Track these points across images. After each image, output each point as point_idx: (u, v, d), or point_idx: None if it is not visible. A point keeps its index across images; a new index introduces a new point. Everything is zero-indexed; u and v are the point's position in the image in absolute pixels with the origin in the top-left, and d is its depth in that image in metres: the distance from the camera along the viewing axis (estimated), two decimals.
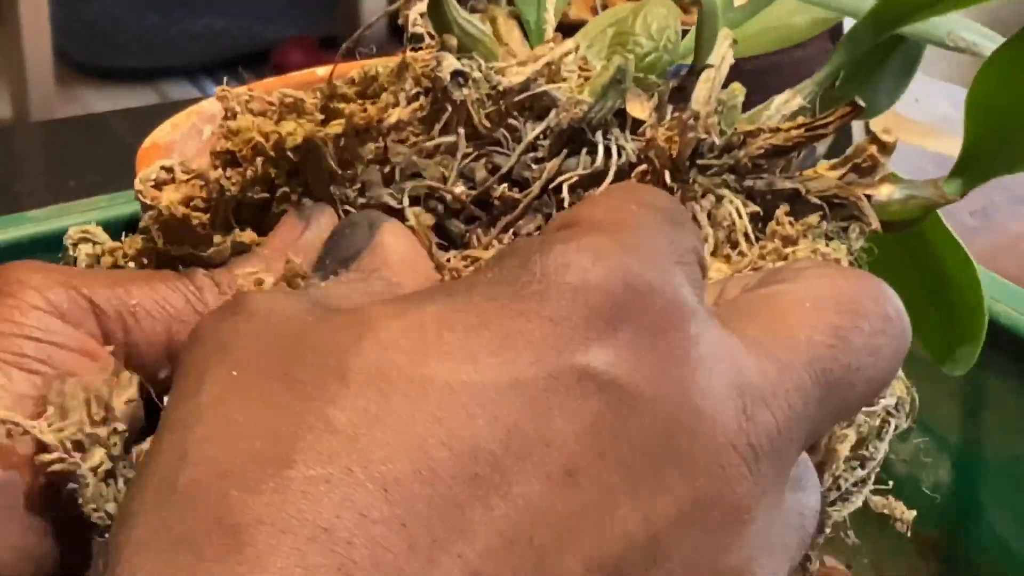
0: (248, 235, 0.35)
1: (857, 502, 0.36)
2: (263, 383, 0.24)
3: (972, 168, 0.37)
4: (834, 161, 0.36)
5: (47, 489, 0.30)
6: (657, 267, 0.26)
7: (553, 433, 0.23)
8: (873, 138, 0.36)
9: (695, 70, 0.37)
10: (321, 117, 0.35)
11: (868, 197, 0.36)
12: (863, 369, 0.28)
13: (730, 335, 0.26)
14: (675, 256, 0.27)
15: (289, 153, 0.34)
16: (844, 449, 0.34)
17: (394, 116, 0.34)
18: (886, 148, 0.36)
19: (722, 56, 0.37)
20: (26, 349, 0.31)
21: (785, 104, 0.39)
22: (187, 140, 0.60)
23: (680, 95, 0.36)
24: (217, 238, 0.35)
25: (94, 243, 0.37)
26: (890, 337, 0.29)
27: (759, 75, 0.90)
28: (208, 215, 0.35)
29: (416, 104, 0.35)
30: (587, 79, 0.36)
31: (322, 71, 0.66)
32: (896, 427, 0.36)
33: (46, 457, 0.29)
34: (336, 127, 0.34)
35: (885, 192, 0.36)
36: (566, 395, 0.24)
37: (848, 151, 0.36)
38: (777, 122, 0.38)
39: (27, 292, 0.32)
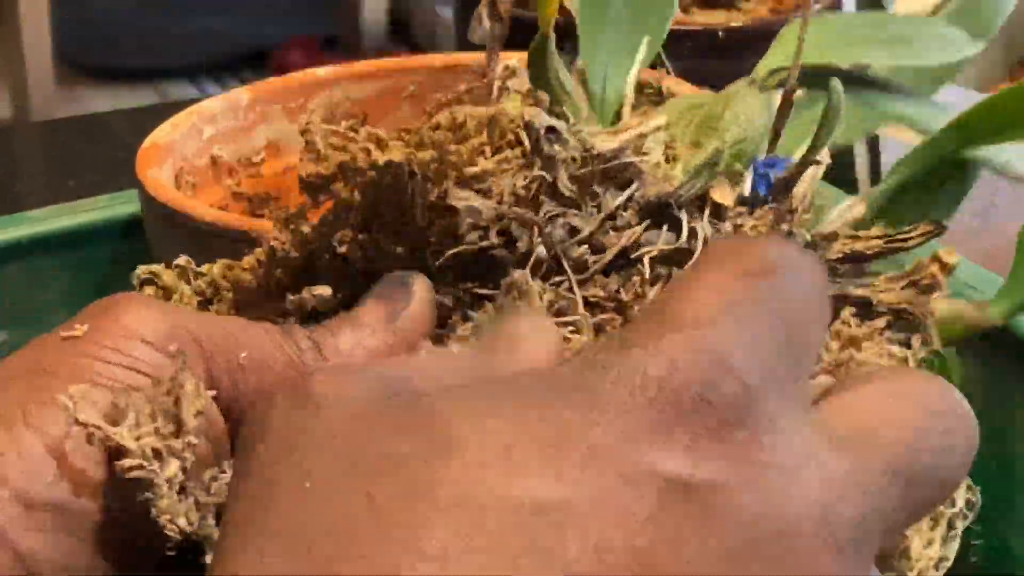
0: (322, 289, 0.35)
1: None
2: (343, 500, 0.24)
3: (1019, 294, 0.39)
4: (894, 274, 0.37)
5: (106, 512, 0.30)
6: (742, 363, 0.25)
7: (640, 545, 0.23)
8: (936, 257, 0.36)
9: (805, 162, 0.37)
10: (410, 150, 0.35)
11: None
12: (939, 468, 0.28)
13: (814, 431, 0.26)
14: (774, 336, 0.26)
15: (374, 175, 0.34)
16: (918, 547, 0.34)
17: (482, 165, 0.34)
18: (947, 268, 0.36)
19: (824, 156, 0.38)
20: (133, 382, 0.31)
21: (849, 210, 0.40)
22: (187, 140, 0.60)
23: (784, 187, 0.36)
24: (289, 295, 0.35)
25: (158, 285, 0.37)
26: (963, 436, 0.28)
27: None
28: (278, 271, 0.36)
29: (502, 156, 0.35)
30: (672, 157, 0.37)
31: (322, 71, 0.66)
32: (963, 528, 0.37)
33: (127, 462, 0.29)
34: (428, 154, 0.34)
35: (938, 311, 0.37)
36: (649, 505, 0.24)
37: (909, 267, 0.37)
38: (838, 227, 0.39)
39: (142, 327, 0.32)
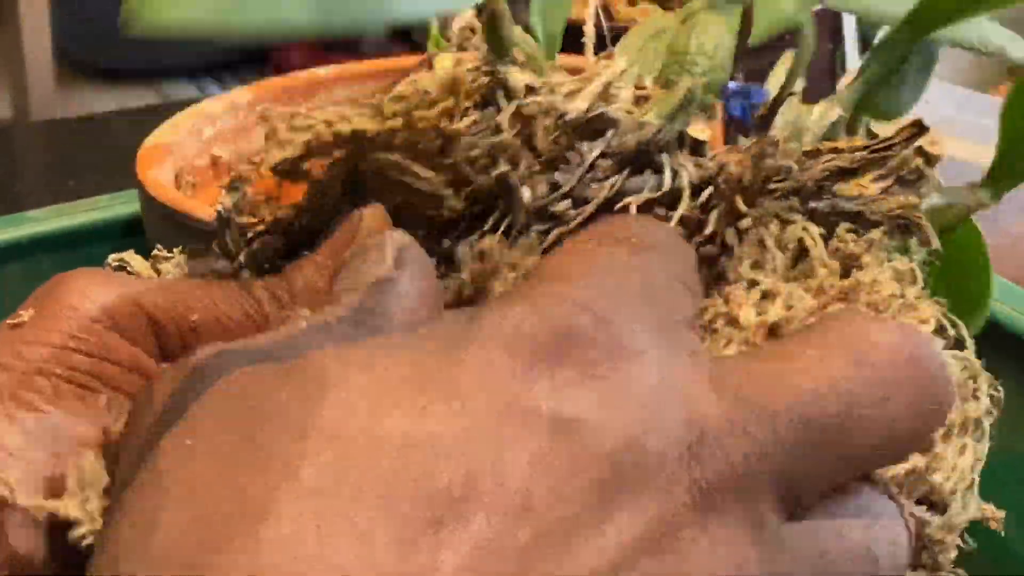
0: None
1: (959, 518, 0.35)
2: (226, 447, 0.25)
3: (1007, 174, 0.38)
4: (878, 172, 0.36)
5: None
6: (604, 306, 0.27)
7: (505, 472, 0.24)
8: (919, 150, 0.36)
9: (780, 97, 0.37)
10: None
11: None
12: (869, 419, 0.27)
13: (692, 370, 0.27)
14: (639, 292, 0.28)
15: (342, 150, 0.34)
16: (952, 456, 0.34)
17: (455, 125, 0.34)
18: (931, 160, 0.36)
19: (795, 79, 0.38)
20: (80, 364, 0.31)
21: (824, 116, 0.39)
22: (187, 140, 0.60)
23: (763, 123, 0.36)
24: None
25: (128, 271, 0.37)
26: (906, 388, 0.28)
27: (760, 75, 0.90)
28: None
29: (470, 120, 0.34)
30: (642, 98, 0.36)
31: (323, 71, 0.66)
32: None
33: (81, 531, 0.28)
34: (396, 122, 0.34)
35: (928, 201, 0.36)
36: (513, 435, 0.25)
37: (892, 162, 0.36)
38: (817, 133, 0.38)
39: (86, 303, 0.31)
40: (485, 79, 0.35)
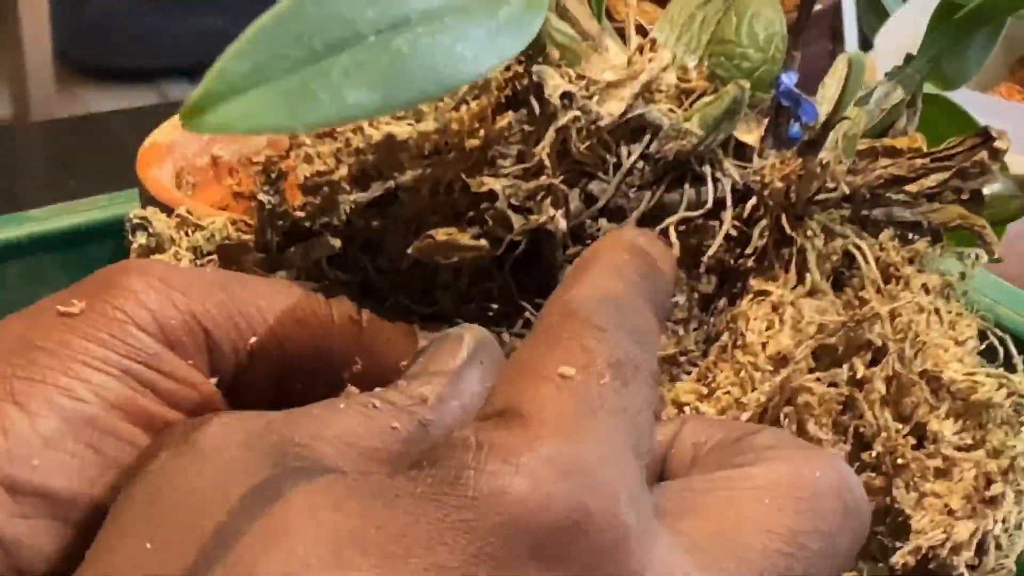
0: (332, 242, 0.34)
1: None
2: (173, 562, 0.24)
3: None
4: (944, 163, 0.34)
5: (96, 500, 0.29)
6: (607, 491, 0.24)
7: None
8: (985, 142, 0.34)
9: (831, 122, 0.34)
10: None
11: (974, 195, 0.34)
12: (820, 571, 0.27)
13: (678, 556, 0.25)
14: (630, 440, 0.26)
15: (375, 156, 0.33)
16: None
17: (484, 132, 0.32)
18: (997, 155, 0.34)
19: (853, 90, 0.35)
20: (133, 369, 0.29)
21: (887, 97, 0.37)
22: (187, 140, 0.60)
23: (812, 148, 0.34)
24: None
25: (150, 232, 0.36)
26: (849, 532, 0.27)
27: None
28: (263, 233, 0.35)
29: (504, 122, 0.33)
30: (686, 92, 0.34)
31: None
32: None
33: None
34: (430, 125, 0.33)
35: (991, 190, 0.35)
36: None
37: (955, 147, 0.34)
38: (877, 116, 0.36)
39: (141, 313, 0.30)
40: (519, 82, 0.33)
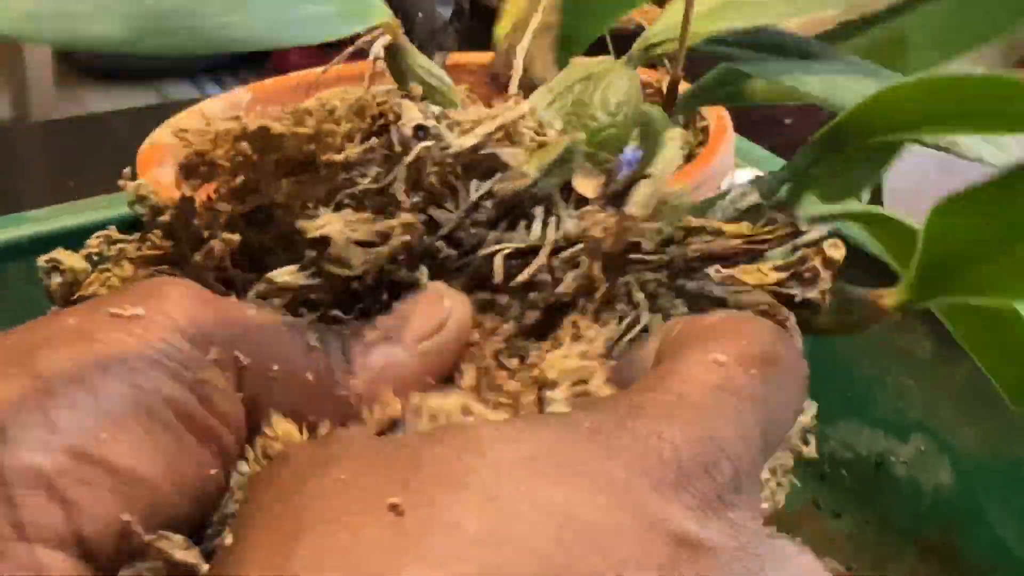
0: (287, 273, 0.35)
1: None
2: (382, 488, 0.26)
3: (923, 289, 0.35)
4: (777, 263, 0.36)
5: (155, 480, 0.30)
6: (736, 453, 0.29)
7: (641, 568, 0.26)
8: (819, 250, 0.35)
9: (636, 176, 0.36)
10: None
11: (807, 302, 0.35)
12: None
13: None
14: (756, 433, 0.30)
15: (247, 145, 0.35)
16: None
17: (347, 152, 0.35)
18: (831, 264, 0.35)
19: (670, 159, 0.37)
20: (181, 374, 0.31)
21: (742, 198, 0.39)
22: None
23: (619, 200, 0.36)
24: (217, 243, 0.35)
25: (60, 271, 0.37)
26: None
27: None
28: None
29: (367, 146, 0.35)
30: (540, 144, 0.36)
31: (323, 71, 0.66)
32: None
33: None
34: (306, 130, 0.35)
35: (827, 301, 0.36)
36: (661, 552, 0.27)
37: (793, 257, 0.36)
38: (730, 214, 0.38)
39: (186, 322, 0.32)
40: (386, 112, 0.36)
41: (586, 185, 0.36)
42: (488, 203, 0.35)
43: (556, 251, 0.35)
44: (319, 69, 0.67)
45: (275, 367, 0.32)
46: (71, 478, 0.29)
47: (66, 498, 0.29)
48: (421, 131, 0.35)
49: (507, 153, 0.35)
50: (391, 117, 0.35)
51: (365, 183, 0.35)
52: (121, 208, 0.63)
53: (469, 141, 0.35)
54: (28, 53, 2.09)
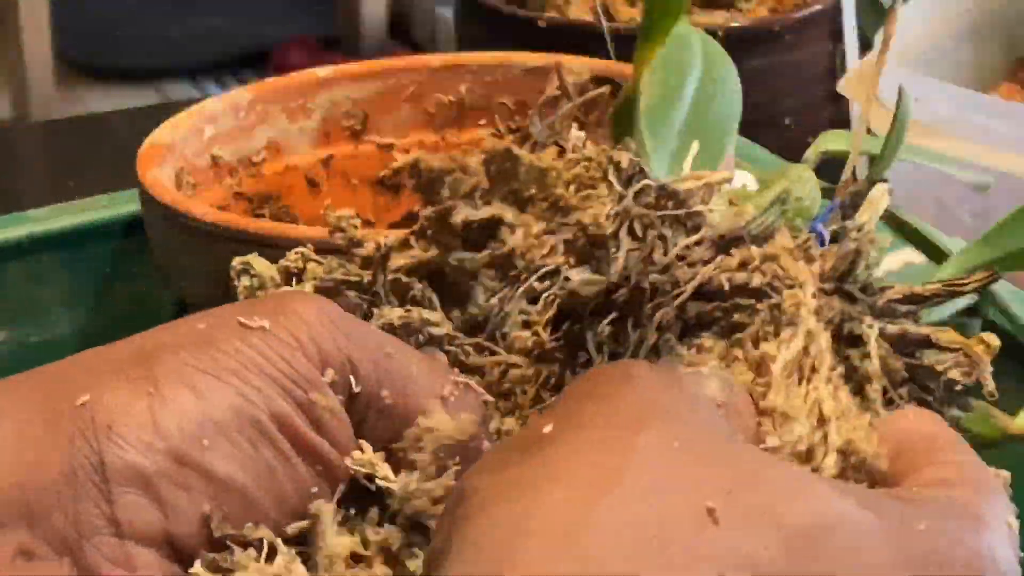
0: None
1: None
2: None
3: None
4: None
5: (249, 492, 0.31)
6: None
7: None
8: (980, 339, 0.38)
9: (872, 179, 0.39)
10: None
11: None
12: None
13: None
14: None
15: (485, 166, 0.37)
16: None
17: (570, 197, 0.37)
18: (990, 349, 0.38)
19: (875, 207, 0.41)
20: (294, 392, 0.32)
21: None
22: (187, 140, 0.60)
23: (856, 200, 0.39)
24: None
25: (251, 275, 0.38)
26: None
27: (759, 75, 0.90)
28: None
29: (584, 193, 0.37)
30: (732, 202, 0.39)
31: (322, 71, 0.66)
32: None
33: None
34: (540, 169, 0.37)
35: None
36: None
37: (959, 348, 0.38)
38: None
39: (309, 343, 0.32)
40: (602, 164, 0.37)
41: (786, 240, 0.37)
42: (699, 248, 0.36)
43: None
44: (320, 69, 0.67)
45: (385, 393, 0.33)
46: (169, 480, 0.30)
47: (162, 499, 0.30)
48: (640, 174, 0.37)
49: (711, 211, 0.37)
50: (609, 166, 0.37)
51: (585, 220, 0.36)
52: (121, 208, 0.63)
53: (684, 185, 0.37)
54: (28, 53, 2.09)
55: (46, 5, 2.11)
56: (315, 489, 0.32)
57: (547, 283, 0.36)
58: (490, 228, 0.37)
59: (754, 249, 0.36)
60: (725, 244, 0.37)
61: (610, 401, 0.30)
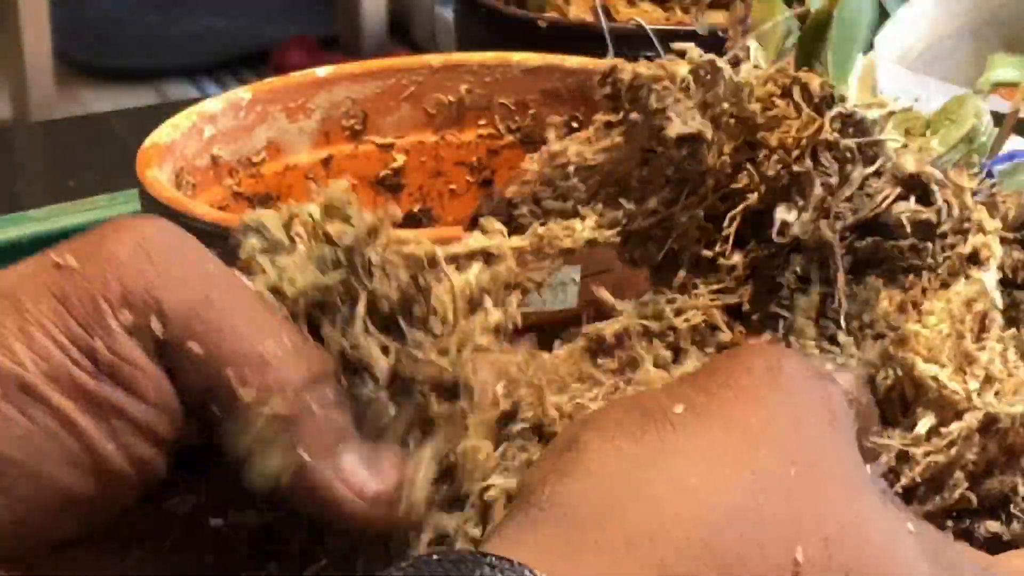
0: None
1: None
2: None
3: None
4: None
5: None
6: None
7: None
8: None
9: None
10: None
11: None
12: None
13: None
14: None
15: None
16: None
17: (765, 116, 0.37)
18: None
19: None
20: (80, 338, 0.30)
21: None
22: (187, 140, 0.60)
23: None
24: None
25: (265, 237, 0.34)
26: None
27: None
28: None
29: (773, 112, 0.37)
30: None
31: (322, 71, 0.66)
32: None
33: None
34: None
35: None
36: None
37: None
38: None
39: (114, 285, 0.30)
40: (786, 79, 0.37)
41: (962, 178, 0.37)
42: (880, 180, 0.36)
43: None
44: (319, 69, 0.67)
45: (193, 345, 0.30)
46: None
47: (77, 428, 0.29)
48: (831, 99, 0.36)
49: (892, 141, 0.37)
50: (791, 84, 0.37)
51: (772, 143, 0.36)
52: (121, 208, 0.63)
53: (870, 113, 0.36)
54: (28, 53, 2.09)
55: (46, 5, 2.11)
56: (112, 445, 0.29)
57: (728, 204, 0.36)
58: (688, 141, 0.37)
59: (938, 189, 0.36)
60: (908, 181, 0.36)
61: (747, 399, 0.30)
